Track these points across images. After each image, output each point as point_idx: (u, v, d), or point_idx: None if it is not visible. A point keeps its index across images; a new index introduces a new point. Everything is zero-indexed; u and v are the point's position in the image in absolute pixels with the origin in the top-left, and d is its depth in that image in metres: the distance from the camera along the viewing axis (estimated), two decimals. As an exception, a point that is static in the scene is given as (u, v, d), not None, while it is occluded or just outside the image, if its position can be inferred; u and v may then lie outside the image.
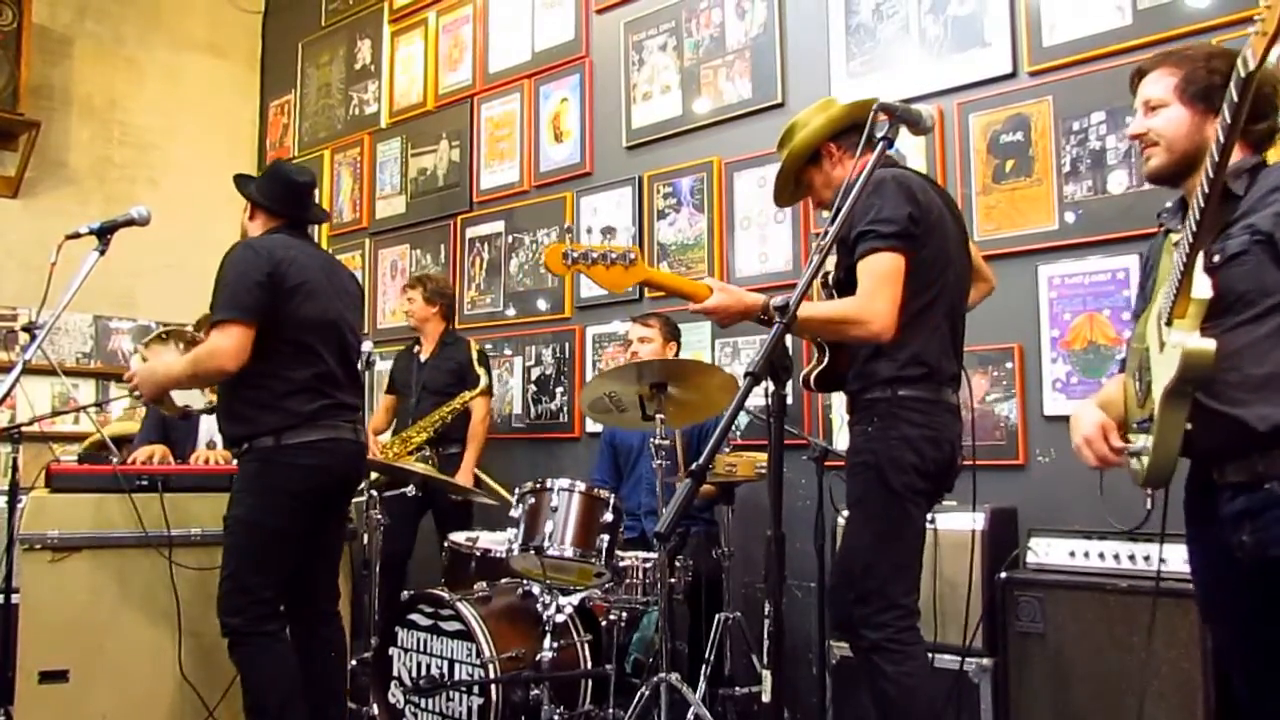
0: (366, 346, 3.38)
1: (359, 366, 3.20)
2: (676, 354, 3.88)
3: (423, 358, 4.59)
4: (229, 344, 2.79)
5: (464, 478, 4.31)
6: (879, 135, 1.96)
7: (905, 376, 2.34)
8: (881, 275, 2.27)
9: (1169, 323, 1.65)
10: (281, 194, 3.09)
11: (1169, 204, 1.93)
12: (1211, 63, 1.83)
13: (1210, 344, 1.57)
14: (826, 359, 2.52)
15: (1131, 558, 2.66)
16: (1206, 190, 1.55)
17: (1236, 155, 1.75)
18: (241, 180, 3.20)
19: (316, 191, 3.22)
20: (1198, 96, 1.82)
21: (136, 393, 2.98)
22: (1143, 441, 1.76)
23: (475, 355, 4.49)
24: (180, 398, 3.22)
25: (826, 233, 1.92)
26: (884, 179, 2.34)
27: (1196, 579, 1.92)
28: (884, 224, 2.29)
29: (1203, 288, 1.60)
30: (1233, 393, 1.65)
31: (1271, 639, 1.76)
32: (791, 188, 2.69)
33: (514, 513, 3.12)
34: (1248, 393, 1.64)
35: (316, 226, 3.89)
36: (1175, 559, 2.37)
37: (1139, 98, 1.91)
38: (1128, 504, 2.06)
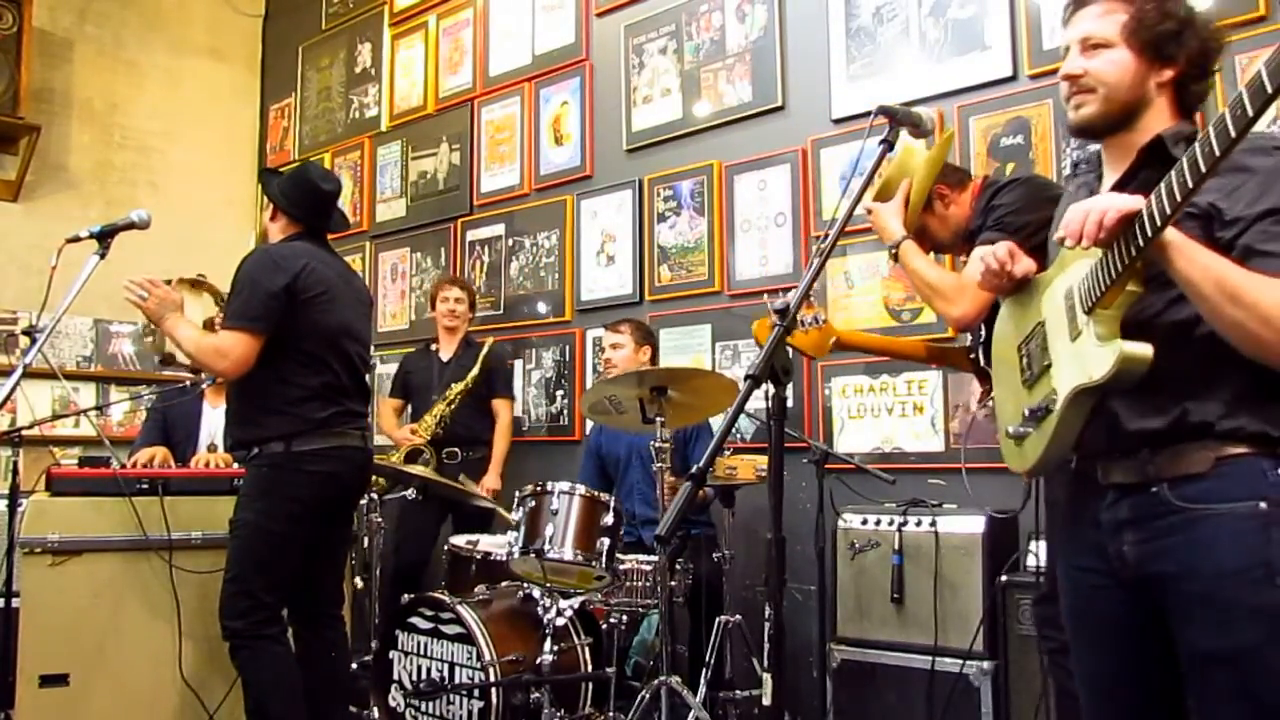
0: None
1: (366, 373, 3.21)
2: (652, 358, 3.90)
3: (444, 357, 4.54)
4: (236, 351, 2.81)
5: (491, 480, 4.33)
6: (880, 139, 1.96)
7: None
8: None
9: (1090, 311, 1.49)
10: (306, 200, 3.10)
11: (1078, 153, 1.77)
12: (1166, 6, 1.61)
13: (1148, 350, 1.43)
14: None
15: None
16: (1189, 185, 1.31)
17: (1165, 118, 1.62)
18: (266, 177, 3.20)
19: (350, 200, 3.23)
20: (1148, 43, 1.59)
21: (143, 293, 2.90)
22: (1026, 427, 1.62)
23: (484, 350, 4.38)
24: (168, 343, 3.18)
25: (827, 235, 1.92)
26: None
27: (1063, 588, 1.73)
28: (1012, 212, 2.33)
29: (1139, 280, 1.46)
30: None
31: (1146, 667, 1.58)
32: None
33: (514, 516, 3.12)
34: (1147, 386, 1.47)
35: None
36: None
37: (1073, 32, 1.66)
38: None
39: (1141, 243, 1.38)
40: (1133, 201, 1.41)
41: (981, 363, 2.52)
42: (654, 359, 3.93)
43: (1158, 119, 1.62)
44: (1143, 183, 1.50)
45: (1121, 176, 1.63)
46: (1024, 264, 1.72)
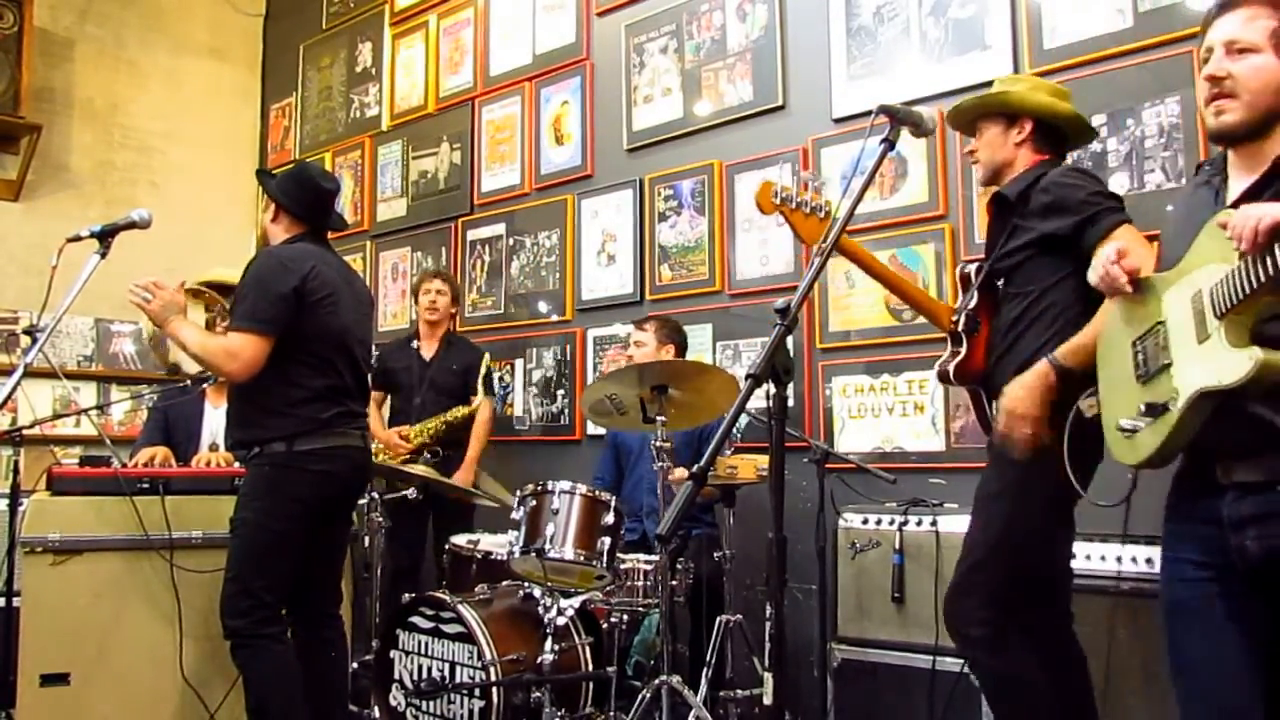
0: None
1: (367, 373, 3.20)
2: (677, 356, 3.86)
3: (426, 355, 4.50)
4: (247, 353, 2.81)
5: (464, 474, 4.28)
6: (880, 139, 1.95)
7: (1070, 377, 2.18)
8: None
9: (1222, 316, 1.52)
10: (308, 199, 3.09)
11: (1209, 159, 1.78)
12: None
13: None
14: (965, 350, 2.45)
15: (1134, 560, 2.66)
16: None
17: None
18: (264, 177, 3.19)
19: (350, 199, 3.23)
20: None
21: (147, 295, 2.89)
22: (1141, 422, 1.66)
23: (484, 370, 4.40)
24: (174, 354, 3.18)
25: (828, 235, 1.92)
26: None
27: (1169, 582, 1.77)
28: (1114, 198, 2.27)
29: (1276, 291, 1.48)
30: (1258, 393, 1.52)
31: (1256, 657, 1.63)
32: (968, 121, 2.57)
33: (515, 515, 3.12)
34: (1274, 396, 1.52)
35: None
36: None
37: (1219, 34, 1.68)
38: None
39: (1274, 265, 1.40)
40: None
41: (959, 328, 2.47)
42: (681, 356, 3.85)
43: None
44: (1277, 193, 1.54)
45: (1254, 185, 1.64)
46: (1133, 260, 1.75)
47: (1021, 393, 2.18)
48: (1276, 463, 1.56)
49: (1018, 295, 2.37)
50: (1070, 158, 3.23)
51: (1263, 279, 1.44)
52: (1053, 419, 2.14)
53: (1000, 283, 2.44)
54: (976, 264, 2.54)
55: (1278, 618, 1.60)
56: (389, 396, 4.61)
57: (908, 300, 2.75)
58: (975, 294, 2.48)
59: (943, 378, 2.50)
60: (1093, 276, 1.84)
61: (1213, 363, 1.52)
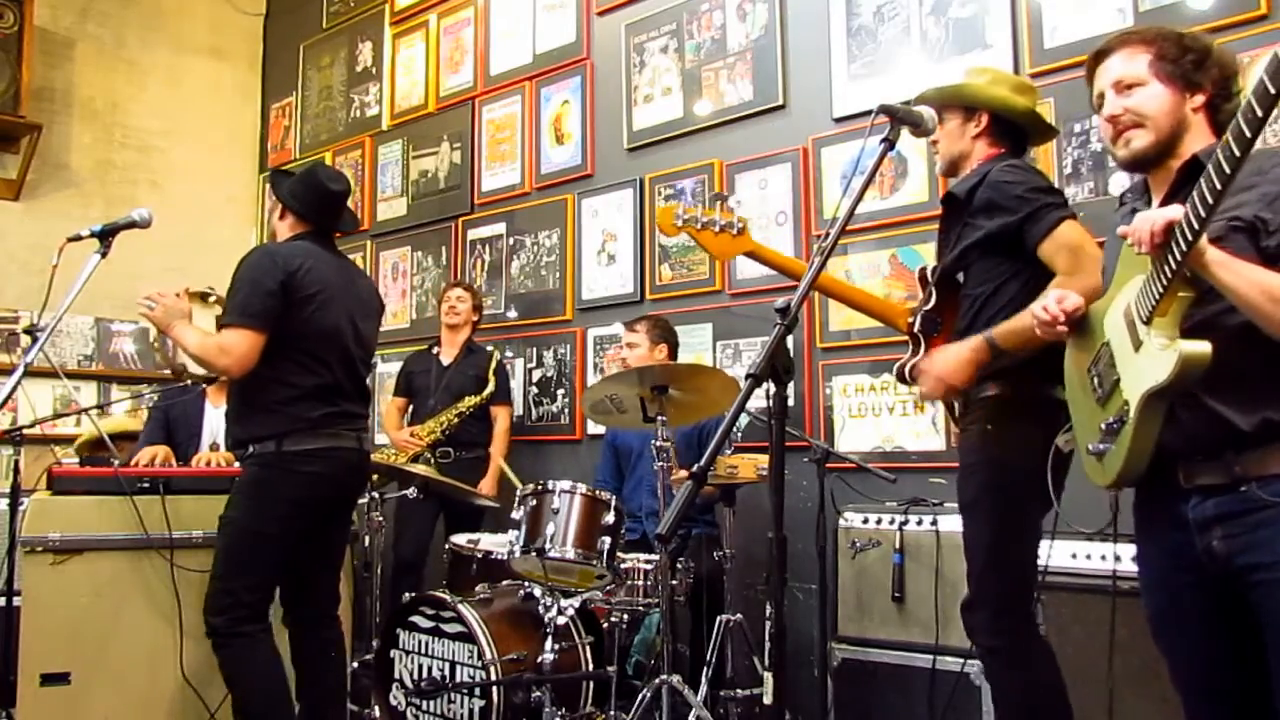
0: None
1: (366, 375, 3.19)
2: (669, 355, 3.89)
3: (444, 361, 4.58)
4: (239, 348, 2.81)
5: (489, 485, 4.34)
6: (880, 138, 1.95)
7: (1027, 371, 2.20)
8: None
9: (1148, 321, 1.59)
10: (313, 200, 3.10)
11: (1129, 185, 1.90)
12: (1184, 41, 1.78)
13: (1207, 346, 1.51)
14: (922, 351, 2.45)
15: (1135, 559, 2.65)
16: (1218, 187, 1.40)
17: (1205, 138, 1.76)
18: (277, 178, 3.20)
19: (351, 198, 3.22)
20: (1175, 74, 1.76)
21: (150, 303, 2.92)
22: (1105, 443, 1.69)
23: (493, 364, 4.48)
24: (179, 356, 3.22)
25: (828, 234, 1.91)
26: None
27: (1147, 591, 1.81)
28: (1054, 192, 2.29)
29: (1188, 285, 1.55)
30: (1209, 388, 1.58)
31: (1242, 659, 1.66)
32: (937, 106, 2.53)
33: (515, 515, 3.12)
34: (1226, 389, 1.57)
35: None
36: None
37: (1105, 78, 1.82)
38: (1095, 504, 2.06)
39: (1185, 247, 1.47)
40: (1177, 211, 1.50)
41: (916, 329, 2.48)
42: (673, 355, 3.89)
43: (1198, 141, 1.76)
44: (1185, 197, 1.60)
45: (1164, 197, 1.74)
46: (1072, 301, 1.82)
47: (953, 363, 2.26)
48: (1236, 463, 1.61)
49: (970, 295, 2.38)
50: (1070, 156, 3.25)
51: (1169, 276, 1.52)
52: (1040, 449, 2.12)
53: (960, 278, 2.45)
54: (934, 265, 2.55)
55: (1250, 615, 1.62)
56: (409, 404, 4.68)
57: (860, 309, 2.77)
58: (934, 294, 2.48)
59: (899, 377, 2.51)
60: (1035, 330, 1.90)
61: (1150, 365, 1.59)
